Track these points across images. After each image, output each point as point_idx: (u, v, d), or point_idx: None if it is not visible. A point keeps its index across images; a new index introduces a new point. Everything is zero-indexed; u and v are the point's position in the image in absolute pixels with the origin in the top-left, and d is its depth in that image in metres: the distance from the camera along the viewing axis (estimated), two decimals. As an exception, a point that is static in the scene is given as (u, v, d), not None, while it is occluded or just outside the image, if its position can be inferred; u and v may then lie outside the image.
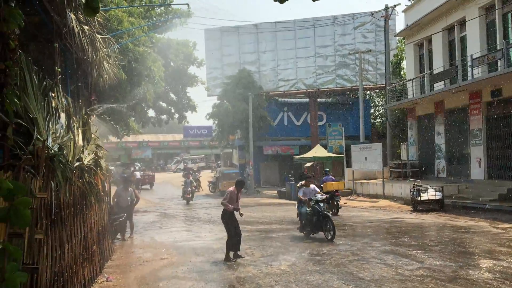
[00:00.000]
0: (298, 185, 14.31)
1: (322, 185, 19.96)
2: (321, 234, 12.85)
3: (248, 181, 33.31)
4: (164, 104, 28.72)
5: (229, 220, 10.80)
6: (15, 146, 5.22)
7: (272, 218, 18.26)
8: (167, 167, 63.90)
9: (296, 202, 14.67)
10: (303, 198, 13.10)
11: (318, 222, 12.70)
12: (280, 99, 38.78)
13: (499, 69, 18.62)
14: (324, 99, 39.23)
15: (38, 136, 5.40)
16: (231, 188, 11.01)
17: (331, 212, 19.14)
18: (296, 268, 9.36)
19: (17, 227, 4.44)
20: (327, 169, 23.29)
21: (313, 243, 12.22)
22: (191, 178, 26.77)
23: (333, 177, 21.23)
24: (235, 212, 10.89)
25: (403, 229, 14.23)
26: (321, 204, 12.78)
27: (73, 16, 8.37)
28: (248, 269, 9.52)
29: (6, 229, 4.35)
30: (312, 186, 13.33)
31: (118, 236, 14.18)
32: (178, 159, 63.75)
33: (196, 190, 33.84)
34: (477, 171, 21.23)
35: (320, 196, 13.01)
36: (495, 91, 19.95)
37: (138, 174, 33.96)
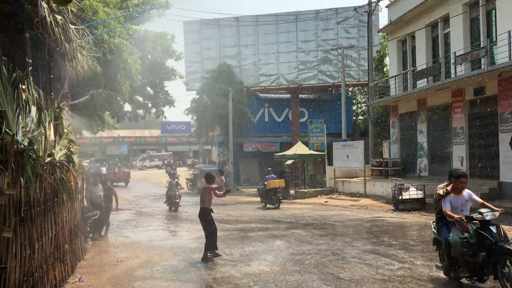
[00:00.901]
0: (441, 191, 8.11)
1: (265, 183, 22.30)
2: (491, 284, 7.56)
3: (227, 178, 33.26)
4: (140, 99, 28.39)
5: (209, 219, 10.77)
6: (-18, 140, 5.12)
7: (252, 217, 18.29)
8: (131, 164, 61.72)
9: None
10: (452, 214, 7.53)
11: (488, 262, 7.12)
12: (261, 95, 38.78)
13: (482, 66, 18.93)
14: (306, 95, 39.34)
15: (7, 130, 5.30)
16: (206, 185, 10.95)
17: (274, 206, 21.20)
18: (275, 268, 9.40)
19: (-17, 225, 4.36)
20: (270, 168, 25.11)
21: (292, 242, 12.28)
22: (176, 179, 22.71)
23: (274, 176, 23.47)
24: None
25: (384, 229, 14.40)
26: (493, 229, 7.21)
27: (45, 5, 8.23)
28: (226, 269, 9.53)
29: (-28, 227, 4.27)
30: (466, 192, 7.95)
31: (91, 235, 14.03)
32: (144, 156, 62.72)
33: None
34: (459, 170, 21.55)
35: (490, 214, 7.41)
36: (478, 89, 20.28)
37: (104, 170, 33.62)
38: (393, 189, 19.37)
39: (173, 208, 21.07)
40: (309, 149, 29.59)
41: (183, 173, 42.19)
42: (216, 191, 10.89)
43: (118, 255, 11.37)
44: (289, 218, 17.86)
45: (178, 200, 21.09)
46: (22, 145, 5.68)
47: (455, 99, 21.88)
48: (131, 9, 19.88)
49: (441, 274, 8.25)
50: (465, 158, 21.22)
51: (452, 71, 20.76)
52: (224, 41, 37.81)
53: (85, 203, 14.13)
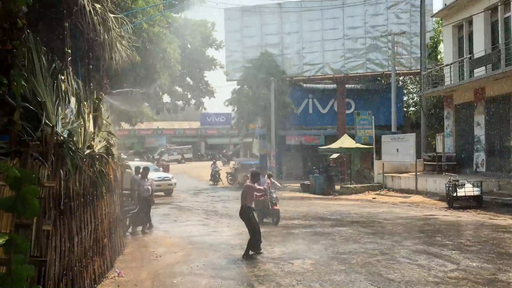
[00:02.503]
0: None
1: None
2: None
3: (274, 184, 33.36)
4: (180, 89, 28.81)
5: (250, 217, 10.84)
6: (23, 131, 5.29)
7: (295, 213, 18.26)
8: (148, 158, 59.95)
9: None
10: None
11: None
12: (304, 85, 38.54)
13: (547, 53, 18.19)
14: (352, 85, 38.84)
15: (47, 122, 5.47)
16: (249, 183, 11.03)
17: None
18: (320, 267, 9.35)
19: (24, 218, 4.52)
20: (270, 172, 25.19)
21: (338, 240, 12.19)
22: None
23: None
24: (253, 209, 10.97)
25: (437, 227, 14.09)
26: None
27: (84, -6, 8.41)
28: (267, 266, 9.55)
29: (12, 219, 4.43)
30: None
31: (130, 229, 14.39)
32: (162, 149, 61.60)
33: (215, 183, 34.14)
34: (521, 166, 20.86)
35: None
36: (542, 78, 19.51)
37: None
38: (447, 185, 18.91)
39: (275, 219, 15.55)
40: (356, 142, 29.19)
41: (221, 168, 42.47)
42: (257, 193, 10.97)
43: (157, 250, 11.59)
44: (334, 215, 17.73)
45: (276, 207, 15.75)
46: (61, 137, 5.84)
47: (516, 88, 21.13)
48: (170, -3, 20.11)
49: (498, 275, 8.02)
50: (527, 152, 20.48)
51: (514, 58, 20.03)
52: (266, 28, 37.77)
53: (132, 196, 14.55)
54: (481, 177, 21.01)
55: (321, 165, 31.37)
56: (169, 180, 25.92)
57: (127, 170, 22.65)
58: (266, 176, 16.34)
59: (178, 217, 18.06)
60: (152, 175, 23.22)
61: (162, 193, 25.35)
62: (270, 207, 15.08)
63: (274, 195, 15.12)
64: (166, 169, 40.58)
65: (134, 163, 27.23)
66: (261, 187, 11.31)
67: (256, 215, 11.29)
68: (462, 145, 26.39)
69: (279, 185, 13.95)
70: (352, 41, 36.42)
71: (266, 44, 37.27)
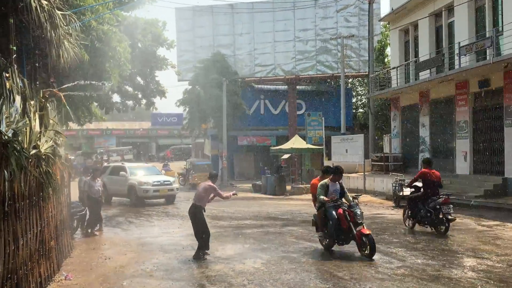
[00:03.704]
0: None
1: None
2: None
3: (220, 173, 33.38)
4: (130, 89, 28.32)
5: (200, 216, 10.77)
6: (-36, 130, 5.09)
7: (246, 214, 18.32)
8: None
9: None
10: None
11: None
12: (256, 86, 38.75)
13: (487, 57, 18.98)
14: (303, 87, 39.36)
15: (-10, 120, 5.28)
16: (209, 183, 10.93)
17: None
18: (271, 266, 9.42)
19: (-35, 220, 4.36)
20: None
21: (289, 239, 12.32)
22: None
23: None
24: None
25: (384, 226, 14.46)
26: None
27: (30, -11, 8.17)
28: (219, 267, 9.55)
29: (-47, 221, 4.26)
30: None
31: (78, 231, 14.08)
32: (101, 150, 58.58)
33: None
34: (463, 166, 21.67)
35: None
36: (483, 81, 20.34)
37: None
38: (394, 185, 19.43)
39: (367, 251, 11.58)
40: (307, 143, 29.58)
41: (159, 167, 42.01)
42: (221, 192, 10.91)
43: (106, 252, 11.38)
44: (286, 214, 17.90)
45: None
46: (6, 136, 5.66)
47: (459, 91, 21.94)
48: (120, -5, 19.77)
49: (443, 272, 8.35)
50: (468, 153, 21.31)
51: (456, 62, 20.77)
52: (218, 29, 37.76)
53: (81, 197, 14.26)
54: (426, 177, 21.64)
55: (273, 166, 31.59)
56: (169, 184, 22.63)
57: (121, 172, 21.92)
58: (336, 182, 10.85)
59: (128, 218, 17.77)
60: (150, 179, 22.00)
61: (161, 200, 22.78)
62: (353, 230, 10.06)
63: (359, 211, 10.19)
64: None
65: (131, 164, 26.27)
66: (220, 191, 11.13)
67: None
68: (408, 146, 27.18)
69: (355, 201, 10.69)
70: (303, 43, 36.93)
71: (218, 45, 37.27)
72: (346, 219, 10.07)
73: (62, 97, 9.81)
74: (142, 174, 23.07)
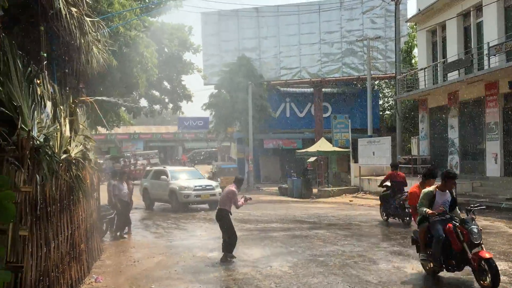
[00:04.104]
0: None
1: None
2: None
3: (247, 176, 33.47)
4: (157, 93, 28.61)
5: (227, 220, 10.82)
6: (-2, 136, 5.22)
7: (273, 217, 18.30)
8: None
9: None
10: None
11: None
12: (282, 89, 38.71)
13: (518, 58, 18.61)
14: (329, 89, 39.15)
15: (23, 126, 5.40)
16: (232, 188, 10.95)
17: None
18: (298, 269, 9.40)
19: (0, 223, 4.46)
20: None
21: (316, 243, 12.27)
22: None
23: None
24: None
25: (412, 229, 14.23)
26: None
27: (60, -3, 8.33)
28: (246, 270, 9.57)
29: (-12, 225, 4.36)
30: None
31: (107, 234, 14.28)
32: (128, 154, 56.70)
33: None
34: (493, 168, 21.25)
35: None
36: (513, 82, 19.94)
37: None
38: (422, 187, 19.14)
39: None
40: (333, 146, 29.43)
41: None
42: (237, 201, 10.87)
43: (135, 255, 11.51)
44: (312, 218, 17.83)
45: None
46: (38, 142, 5.78)
47: (488, 92, 21.53)
48: (147, 1, 20.04)
49: (471, 275, 8.21)
50: (499, 154, 20.88)
51: (485, 62, 20.41)
52: (244, 33, 37.84)
53: (110, 201, 14.45)
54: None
55: (299, 169, 31.50)
56: (212, 189, 21.11)
57: (162, 176, 21.58)
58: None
59: (156, 221, 17.94)
60: (191, 183, 20.91)
61: (204, 206, 21.61)
62: (468, 253, 7.90)
63: (475, 228, 7.87)
64: (142, 174, 40.32)
65: (173, 167, 24.88)
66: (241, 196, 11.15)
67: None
68: (436, 148, 26.78)
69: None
70: (329, 45, 36.73)
71: (243, 48, 37.34)
72: (458, 238, 7.92)
73: (95, 104, 9.98)
74: (183, 178, 21.97)
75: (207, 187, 21.19)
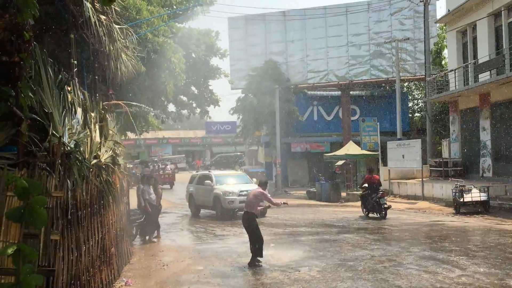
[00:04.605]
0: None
1: None
2: None
3: (274, 180, 33.41)
4: (185, 98, 28.84)
5: (253, 223, 10.85)
6: (30, 142, 5.35)
7: (301, 221, 18.25)
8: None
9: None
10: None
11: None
12: (309, 92, 38.58)
13: (552, 57, 18.15)
14: (357, 92, 38.85)
15: (54, 132, 5.53)
16: (259, 189, 11.10)
17: None
18: (327, 274, 9.35)
19: (32, 227, 4.57)
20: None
21: (345, 247, 12.18)
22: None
23: None
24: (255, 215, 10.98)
25: (444, 233, 14.04)
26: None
27: (89, 5, 8.51)
28: (274, 274, 9.56)
29: (21, 229, 4.47)
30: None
31: (137, 237, 14.46)
32: (156, 159, 56.85)
33: None
34: (527, 170, 20.76)
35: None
36: (547, 82, 19.46)
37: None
38: (454, 191, 18.85)
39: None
40: (361, 149, 29.18)
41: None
42: (271, 198, 11.05)
43: (164, 259, 11.62)
44: (341, 222, 17.71)
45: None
46: (68, 147, 5.90)
47: (521, 93, 21.08)
48: (174, 7, 20.26)
49: (507, 281, 8.02)
50: (533, 157, 20.40)
51: (518, 62, 20.00)
52: (270, 37, 37.88)
53: (140, 205, 14.62)
54: (487, 182, 20.94)
55: (327, 172, 31.32)
56: None
57: (206, 181, 20.40)
58: None
59: (184, 225, 18.09)
60: (236, 188, 19.56)
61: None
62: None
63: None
64: (171, 178, 40.71)
65: (218, 172, 23.75)
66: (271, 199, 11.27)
67: None
68: (468, 151, 26.31)
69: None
70: (356, 48, 36.46)
71: (270, 52, 37.37)
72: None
73: (127, 110, 10.14)
74: (229, 182, 20.77)
75: None
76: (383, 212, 17.97)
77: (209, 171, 23.71)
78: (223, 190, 19.75)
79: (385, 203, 18.12)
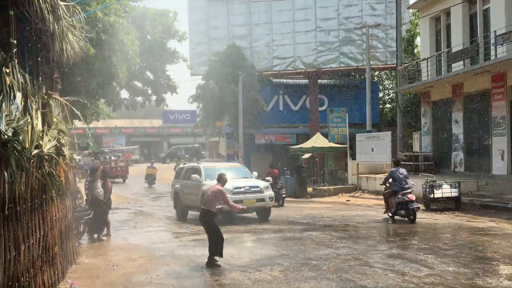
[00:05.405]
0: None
1: None
2: None
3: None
4: (139, 84, 28.49)
5: (211, 222, 10.83)
6: (-38, 129, 5.20)
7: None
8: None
9: None
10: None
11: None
12: (275, 80, 38.66)
13: (526, 47, 18.70)
14: (325, 81, 39.20)
15: (-11, 119, 5.37)
16: (218, 187, 10.98)
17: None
18: (289, 274, 9.43)
19: (-37, 224, 4.44)
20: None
21: (309, 245, 12.31)
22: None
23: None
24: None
25: (413, 231, 14.35)
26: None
27: (31, -21, 8.30)
28: (234, 274, 9.58)
29: (-50, 225, 4.35)
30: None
31: (84, 236, 14.25)
32: (106, 150, 53.06)
33: None
34: (500, 165, 21.39)
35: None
36: (521, 73, 20.07)
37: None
38: (424, 186, 19.26)
39: None
40: (329, 142, 29.52)
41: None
42: (229, 200, 10.97)
43: (114, 259, 11.49)
44: (306, 218, 17.88)
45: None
46: (6, 136, 5.75)
47: (495, 84, 21.66)
48: (128, -17, 19.95)
49: (476, 281, 8.28)
50: (506, 151, 21.03)
51: (492, 52, 20.52)
52: (234, 19, 37.72)
53: (83, 199, 14.39)
54: (459, 178, 21.49)
55: (292, 166, 31.55)
56: (259, 191, 17.18)
57: (192, 176, 17.71)
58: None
59: (137, 222, 17.94)
60: (229, 184, 15.39)
61: (251, 215, 18.01)
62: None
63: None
64: (124, 171, 40.20)
65: (209, 163, 21.31)
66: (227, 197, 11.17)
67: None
68: (439, 144, 26.93)
69: None
70: (325, 33, 36.73)
71: (233, 36, 37.22)
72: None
73: (65, 103, 9.93)
74: None
75: (253, 189, 17.16)
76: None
77: (198, 163, 20.79)
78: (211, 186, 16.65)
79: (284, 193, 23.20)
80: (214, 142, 52.06)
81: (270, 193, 17.64)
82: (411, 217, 15.37)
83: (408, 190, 15.55)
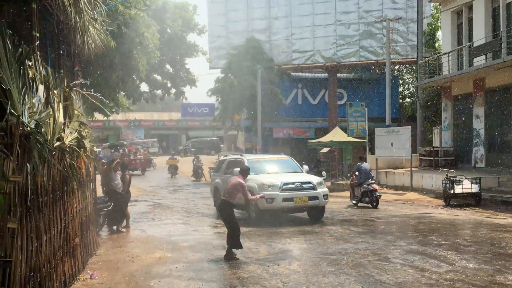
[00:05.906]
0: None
1: None
2: None
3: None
4: (159, 77, 28.66)
5: (231, 213, 10.86)
6: (-15, 121, 5.25)
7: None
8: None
9: None
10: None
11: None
12: (294, 74, 38.56)
13: (551, 42, 18.39)
14: (345, 75, 39.00)
15: (12, 111, 5.42)
16: (239, 179, 10.97)
17: None
18: (308, 268, 9.43)
19: (-13, 214, 4.49)
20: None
21: (328, 240, 12.29)
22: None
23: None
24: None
25: (433, 226, 14.24)
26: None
27: (53, -27, 8.35)
28: (252, 268, 9.60)
29: (-26, 216, 4.40)
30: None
31: (104, 227, 14.38)
32: (125, 143, 54.43)
33: (198, 179, 33.97)
34: (522, 161, 21.13)
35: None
36: (545, 68, 19.74)
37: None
38: (444, 182, 19.09)
39: None
40: (348, 136, 29.36)
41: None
42: (247, 193, 10.95)
43: (134, 251, 11.58)
44: (325, 213, 17.81)
45: None
46: (28, 128, 5.80)
47: (518, 79, 21.36)
48: (148, -23, 20.02)
49: (496, 277, 8.19)
50: (528, 147, 20.75)
51: (515, 46, 20.23)
52: (253, 12, 37.63)
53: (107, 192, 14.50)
54: (480, 173, 21.25)
55: (311, 160, 31.47)
56: (312, 188, 15.29)
57: (234, 170, 15.11)
58: None
59: (156, 215, 18.03)
60: (277, 179, 15.19)
61: (302, 214, 16.49)
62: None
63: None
64: (143, 163, 40.41)
65: (253, 156, 20.69)
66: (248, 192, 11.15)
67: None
68: (460, 139, 26.64)
69: None
70: (345, 27, 36.46)
71: (252, 30, 37.14)
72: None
73: (86, 94, 9.98)
74: (269, 171, 16.45)
75: (304, 185, 15.37)
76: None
77: (241, 155, 18.84)
78: (258, 182, 15.09)
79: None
80: (233, 136, 52.16)
81: (324, 189, 15.73)
82: (374, 203, 18.56)
83: (372, 181, 19.02)
